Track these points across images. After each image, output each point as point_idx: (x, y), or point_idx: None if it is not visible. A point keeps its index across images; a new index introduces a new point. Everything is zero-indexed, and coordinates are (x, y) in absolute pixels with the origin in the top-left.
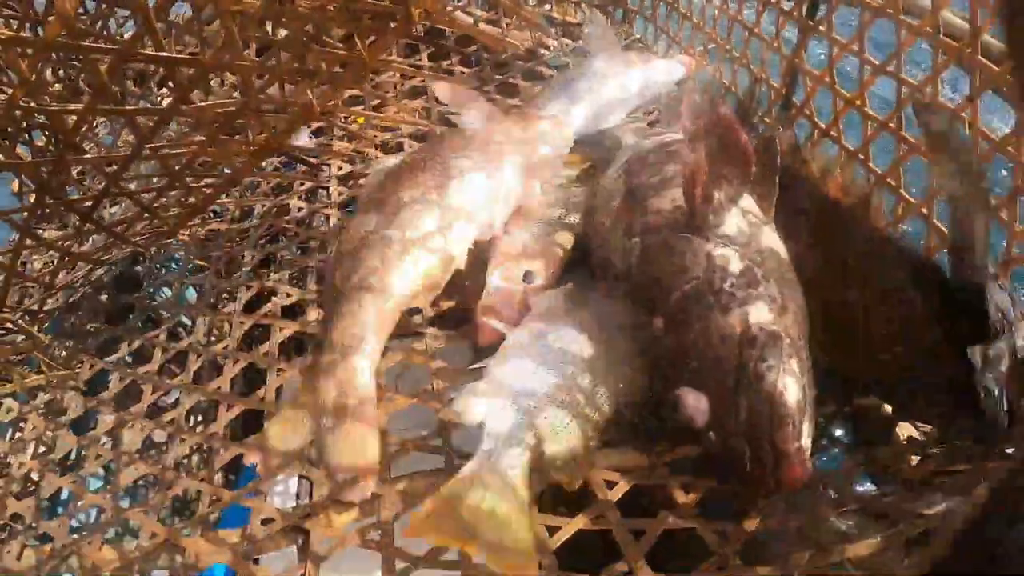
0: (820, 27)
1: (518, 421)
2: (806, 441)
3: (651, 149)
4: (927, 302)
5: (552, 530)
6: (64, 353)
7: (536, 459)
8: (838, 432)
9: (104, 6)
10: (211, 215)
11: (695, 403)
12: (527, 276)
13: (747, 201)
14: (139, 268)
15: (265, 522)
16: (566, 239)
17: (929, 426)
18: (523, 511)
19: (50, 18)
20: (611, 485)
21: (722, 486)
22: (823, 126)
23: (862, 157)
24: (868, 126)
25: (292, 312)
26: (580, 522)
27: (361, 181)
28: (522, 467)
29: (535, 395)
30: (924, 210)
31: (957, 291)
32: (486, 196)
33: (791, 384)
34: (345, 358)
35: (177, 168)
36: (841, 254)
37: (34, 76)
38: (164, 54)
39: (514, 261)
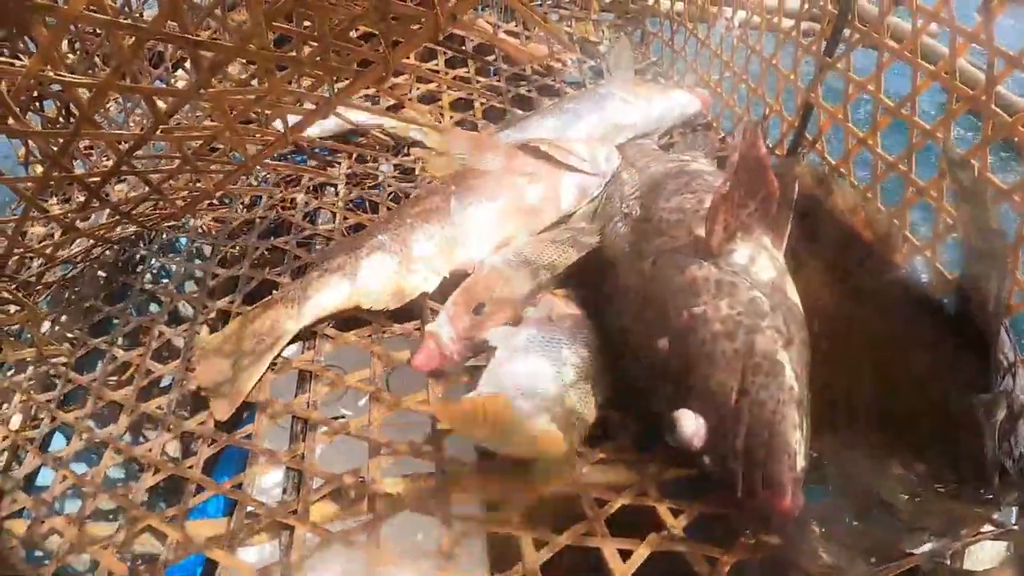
0: (838, 64)
1: None
2: (800, 473)
3: (668, 174)
4: (935, 342)
5: (539, 545)
6: (58, 328)
7: None
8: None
9: None
10: (218, 201)
11: (694, 425)
12: (478, 308)
13: (760, 234)
14: (140, 249)
15: (249, 516)
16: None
17: (920, 465)
18: None
19: None
20: (601, 503)
21: (713, 511)
22: (834, 162)
23: (869, 196)
24: (878, 166)
25: None
26: (568, 538)
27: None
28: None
29: None
30: (928, 252)
31: (962, 334)
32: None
33: (790, 415)
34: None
35: (191, 152)
36: (858, 287)
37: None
38: (189, 36)
39: (471, 294)
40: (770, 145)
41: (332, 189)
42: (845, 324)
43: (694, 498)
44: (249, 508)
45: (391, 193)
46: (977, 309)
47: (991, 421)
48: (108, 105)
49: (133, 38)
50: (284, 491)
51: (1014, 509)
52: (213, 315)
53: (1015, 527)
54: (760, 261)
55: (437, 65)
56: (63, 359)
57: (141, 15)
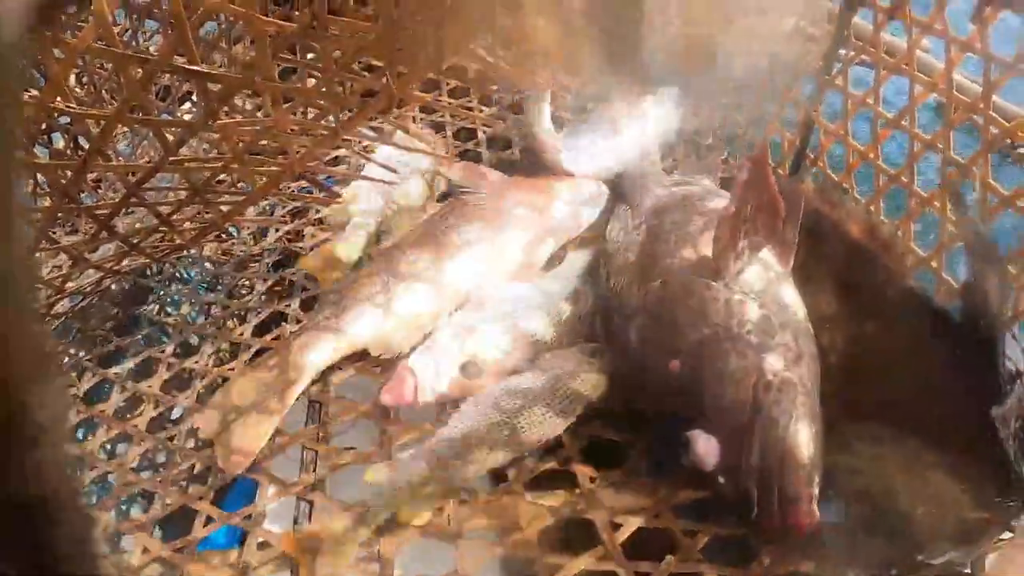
0: (836, 81)
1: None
2: (815, 489)
3: (673, 196)
4: (942, 351)
5: (554, 568)
6: (67, 359)
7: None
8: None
9: (135, 17)
10: (227, 234)
11: (706, 446)
12: (467, 369)
13: (767, 252)
14: (149, 280)
15: (260, 546)
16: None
17: (936, 475)
18: None
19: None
20: (616, 527)
21: (729, 531)
22: (836, 178)
23: (873, 209)
24: (880, 179)
25: None
26: (583, 562)
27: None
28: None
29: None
30: (934, 263)
31: (969, 342)
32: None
33: (803, 432)
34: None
35: (200, 183)
36: (864, 299)
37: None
38: (196, 67)
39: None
40: (772, 164)
41: None
42: (853, 337)
43: (709, 519)
44: (260, 539)
45: None
46: (981, 316)
47: (1008, 430)
48: (116, 138)
49: (141, 71)
50: (295, 520)
51: None
52: (224, 347)
53: None
54: (768, 279)
55: (440, 95)
56: (73, 391)
57: (148, 49)
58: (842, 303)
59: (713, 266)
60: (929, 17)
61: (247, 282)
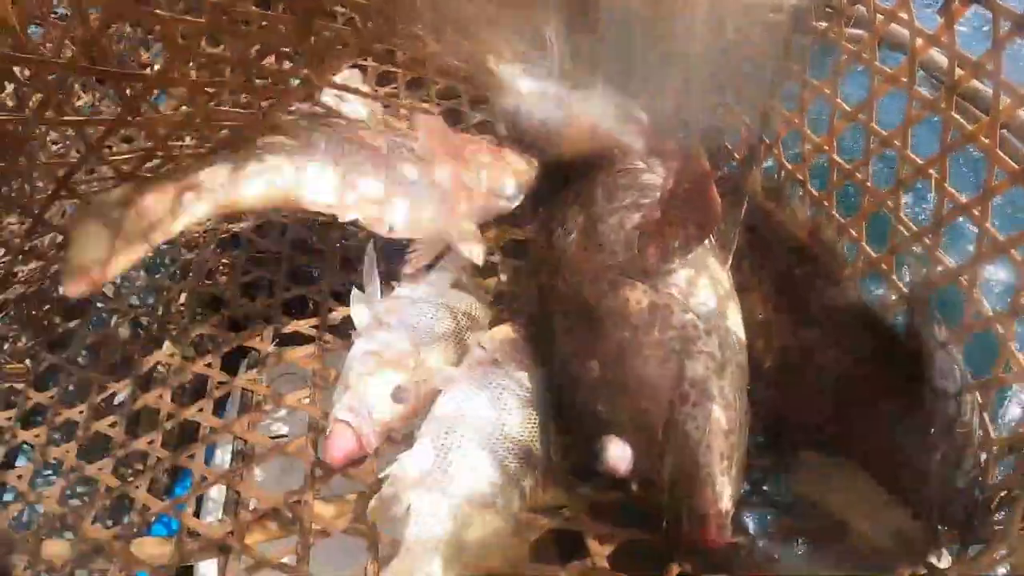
0: (794, 67)
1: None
2: (727, 503)
3: (614, 184)
4: (878, 363)
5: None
6: (17, 346)
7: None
8: (773, 488)
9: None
10: None
11: (620, 453)
12: (397, 394)
13: (704, 252)
14: None
15: (191, 535)
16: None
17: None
18: None
19: None
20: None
21: (642, 537)
22: (790, 167)
23: (826, 204)
24: (835, 173)
25: (236, 326)
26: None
27: None
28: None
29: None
30: (885, 265)
31: (908, 352)
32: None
33: (717, 446)
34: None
35: (126, 170)
36: (804, 303)
37: None
38: (112, 69)
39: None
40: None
41: None
42: (789, 344)
43: (625, 523)
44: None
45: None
46: (922, 328)
47: (932, 461)
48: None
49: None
50: (224, 511)
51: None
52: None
53: (946, 569)
54: (700, 281)
55: (396, 88)
56: (23, 376)
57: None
58: (778, 308)
59: (641, 265)
60: (894, 6)
61: (193, 264)
